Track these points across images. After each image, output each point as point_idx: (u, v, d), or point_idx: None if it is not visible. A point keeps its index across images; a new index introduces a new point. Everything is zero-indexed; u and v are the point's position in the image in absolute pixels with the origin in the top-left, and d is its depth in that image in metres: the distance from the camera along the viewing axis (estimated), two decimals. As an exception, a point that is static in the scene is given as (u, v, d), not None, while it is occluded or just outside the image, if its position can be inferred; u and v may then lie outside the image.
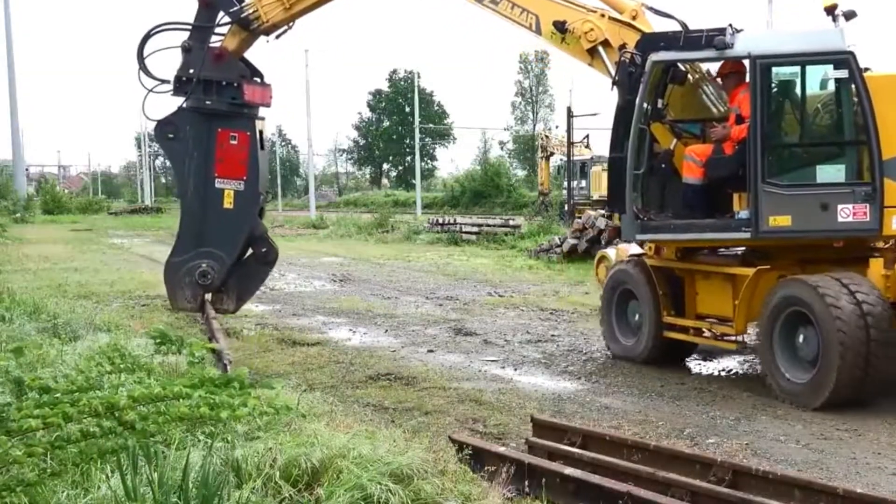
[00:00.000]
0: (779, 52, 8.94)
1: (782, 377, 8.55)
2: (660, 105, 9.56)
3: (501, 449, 6.36)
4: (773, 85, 9.09)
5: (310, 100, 55.52)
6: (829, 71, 8.95)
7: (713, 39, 8.87)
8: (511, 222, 30.62)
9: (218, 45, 10.00)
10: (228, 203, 9.80)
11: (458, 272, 20.85)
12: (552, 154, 50.42)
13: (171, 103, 9.93)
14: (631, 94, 9.16)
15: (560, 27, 9.75)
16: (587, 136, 49.21)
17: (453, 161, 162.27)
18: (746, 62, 9.03)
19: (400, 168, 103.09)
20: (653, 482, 5.59)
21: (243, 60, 10.26)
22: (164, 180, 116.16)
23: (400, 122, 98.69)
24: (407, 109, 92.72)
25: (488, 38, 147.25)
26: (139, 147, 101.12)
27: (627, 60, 9.18)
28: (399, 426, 6.90)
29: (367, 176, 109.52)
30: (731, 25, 9.02)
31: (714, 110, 10.15)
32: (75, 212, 59.26)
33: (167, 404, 4.98)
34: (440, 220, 32.22)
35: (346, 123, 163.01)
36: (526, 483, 5.82)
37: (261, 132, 10.01)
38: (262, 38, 10.31)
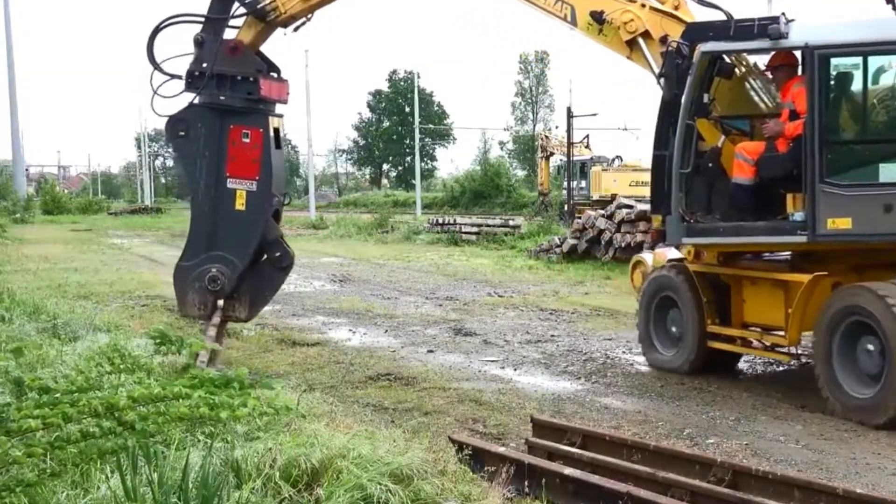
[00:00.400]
0: (838, 42, 8.27)
1: (842, 392, 7.99)
2: (705, 99, 8.86)
3: (501, 449, 6.36)
4: (832, 77, 8.45)
5: (310, 100, 55.35)
6: (893, 61, 8.45)
7: (767, 29, 8.27)
8: (511, 222, 30.63)
9: (233, 37, 9.52)
10: (240, 204, 9.35)
11: (458, 272, 20.85)
12: (552, 154, 50.56)
13: (180, 100, 9.51)
14: (678, 88, 8.58)
15: (597, 18, 9.24)
16: (587, 137, 49.43)
17: (453, 161, 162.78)
18: (801, 54, 8.49)
19: (400, 168, 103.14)
20: (653, 482, 5.59)
21: (259, 54, 9.79)
22: (163, 180, 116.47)
23: (400, 123, 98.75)
24: (407, 110, 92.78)
25: (488, 39, 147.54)
26: (139, 147, 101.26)
27: (674, 51, 8.57)
28: (399, 426, 6.90)
29: (367, 176, 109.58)
30: (783, 14, 8.46)
31: (761, 105, 9.61)
32: (75, 212, 59.21)
33: (167, 404, 4.98)
34: (440, 221, 32.24)
35: (346, 124, 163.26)
36: (526, 483, 5.82)
37: (276, 130, 9.61)
38: (280, 31, 9.84)
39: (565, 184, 46.52)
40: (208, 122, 9.34)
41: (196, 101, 9.38)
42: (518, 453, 6.29)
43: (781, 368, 9.94)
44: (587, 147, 48.56)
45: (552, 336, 12.32)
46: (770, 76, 9.43)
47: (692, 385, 9.35)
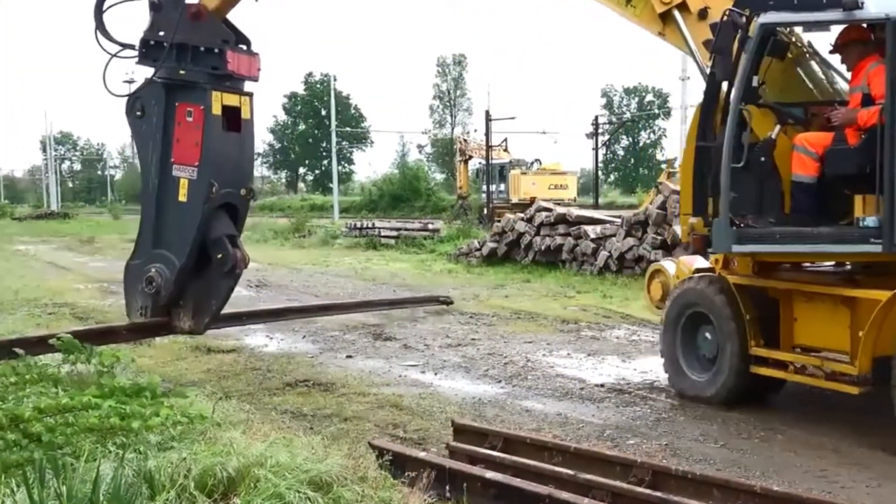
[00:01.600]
0: None
1: None
2: (754, 83, 7.61)
3: (422, 454, 6.29)
4: None
5: (225, 103, 54.62)
6: None
7: None
8: (430, 226, 30.67)
9: (195, 1, 8.50)
10: (183, 195, 8.40)
11: (377, 277, 20.75)
12: (471, 157, 50.90)
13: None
14: (731, 66, 7.48)
15: None
16: (506, 140, 49.97)
17: (371, 165, 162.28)
18: (876, 27, 7.38)
19: (316, 172, 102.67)
20: (574, 484, 5.58)
21: (226, 23, 8.76)
22: (70, 185, 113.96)
23: (316, 126, 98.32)
24: (323, 113, 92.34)
25: (405, 41, 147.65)
26: (45, 150, 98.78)
27: (731, 23, 7.42)
28: (318, 433, 6.77)
29: (283, 180, 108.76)
30: None
31: (816, 92, 8.34)
32: (-25, 217, 57.61)
33: (76, 415, 4.81)
34: (358, 225, 32.12)
35: (261, 126, 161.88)
36: (447, 488, 5.76)
37: (234, 109, 8.53)
38: None
39: (484, 187, 46.86)
40: (161, 100, 8.39)
41: (155, 76, 8.41)
42: (439, 458, 6.23)
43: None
44: (506, 150, 49.07)
45: (472, 340, 12.30)
46: (841, 54, 8.08)
47: (612, 387, 9.41)
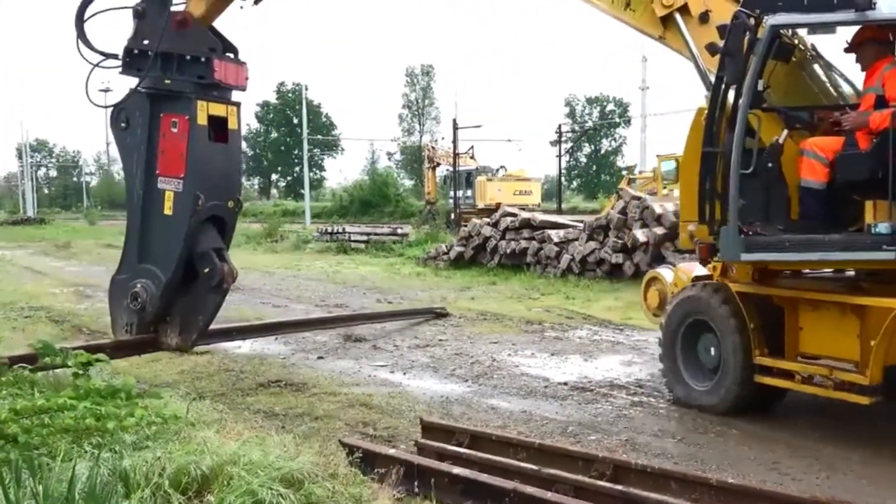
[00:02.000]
0: None
1: None
2: (760, 87, 7.31)
3: (391, 451, 6.43)
4: None
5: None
6: None
7: None
8: (399, 231, 30.80)
9: (181, 8, 8.27)
10: (168, 208, 8.20)
11: (348, 280, 20.87)
12: (438, 164, 51.25)
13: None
14: (741, 69, 7.16)
15: None
16: (472, 147, 50.35)
17: (342, 171, 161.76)
18: (894, 29, 7.26)
19: (289, 178, 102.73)
20: (538, 479, 5.73)
21: (213, 31, 8.53)
22: (46, 191, 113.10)
23: (288, 134, 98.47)
24: (295, 121, 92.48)
25: (375, 52, 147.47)
26: (20, 157, 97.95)
27: (741, 24, 7.11)
28: (289, 432, 6.90)
29: (256, 187, 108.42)
30: None
31: (821, 96, 8.06)
32: (-50, 224, 57.06)
33: (52, 416, 4.92)
34: (329, 230, 32.20)
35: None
36: (415, 483, 5.89)
37: (221, 119, 8.31)
38: (237, 3, 8.50)
39: (452, 193, 47.09)
40: (145, 111, 8.18)
41: (139, 86, 8.18)
42: (408, 454, 6.37)
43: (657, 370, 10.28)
44: (472, 157, 49.45)
45: (440, 340, 12.48)
46: (857, 56, 7.70)
47: (574, 385, 9.60)
